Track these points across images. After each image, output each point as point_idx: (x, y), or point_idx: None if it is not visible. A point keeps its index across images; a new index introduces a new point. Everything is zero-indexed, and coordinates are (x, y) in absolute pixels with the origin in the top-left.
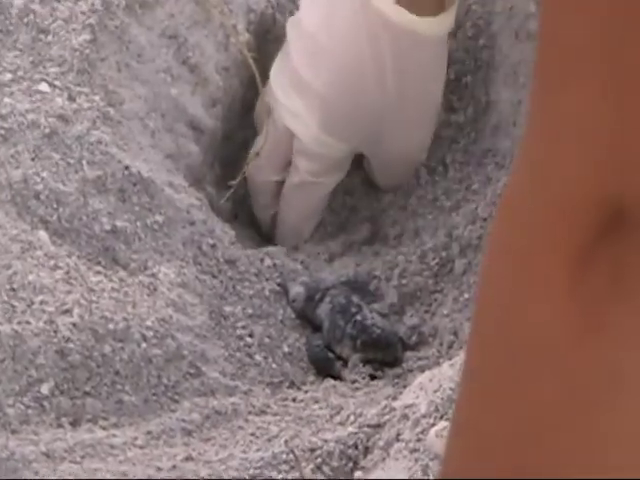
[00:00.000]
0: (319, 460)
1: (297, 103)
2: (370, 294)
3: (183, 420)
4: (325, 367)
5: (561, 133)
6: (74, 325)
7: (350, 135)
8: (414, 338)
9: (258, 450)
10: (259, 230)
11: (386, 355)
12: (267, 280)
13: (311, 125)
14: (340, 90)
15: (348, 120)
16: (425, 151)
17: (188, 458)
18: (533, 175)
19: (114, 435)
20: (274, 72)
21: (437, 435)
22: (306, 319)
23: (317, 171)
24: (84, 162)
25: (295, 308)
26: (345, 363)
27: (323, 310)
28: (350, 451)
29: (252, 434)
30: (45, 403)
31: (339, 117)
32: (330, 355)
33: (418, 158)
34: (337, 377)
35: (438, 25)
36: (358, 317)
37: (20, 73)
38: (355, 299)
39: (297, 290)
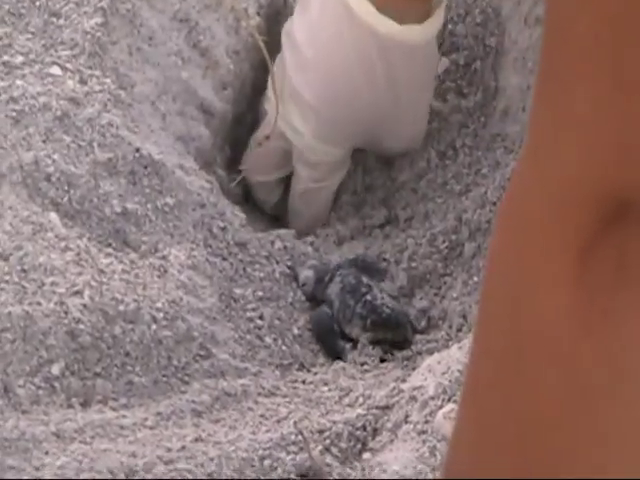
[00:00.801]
0: (328, 441)
1: (292, 111)
2: (378, 274)
3: (193, 401)
4: (328, 338)
5: (566, 128)
6: (84, 306)
7: (345, 141)
8: (423, 321)
9: (267, 431)
10: (271, 220)
11: (396, 335)
12: (277, 263)
13: (306, 134)
14: (331, 102)
15: (342, 128)
16: (421, 140)
17: (198, 439)
18: (538, 168)
19: (124, 416)
20: (266, 95)
21: (445, 417)
22: (317, 302)
23: (318, 177)
24: (95, 144)
25: (306, 292)
26: (355, 345)
27: (333, 290)
28: (358, 432)
29: (261, 415)
30: (55, 384)
31: (333, 126)
32: (335, 328)
33: (416, 145)
34: (340, 351)
35: (424, 32)
36: (368, 297)
37: (32, 56)
38: (365, 279)
39: (306, 274)
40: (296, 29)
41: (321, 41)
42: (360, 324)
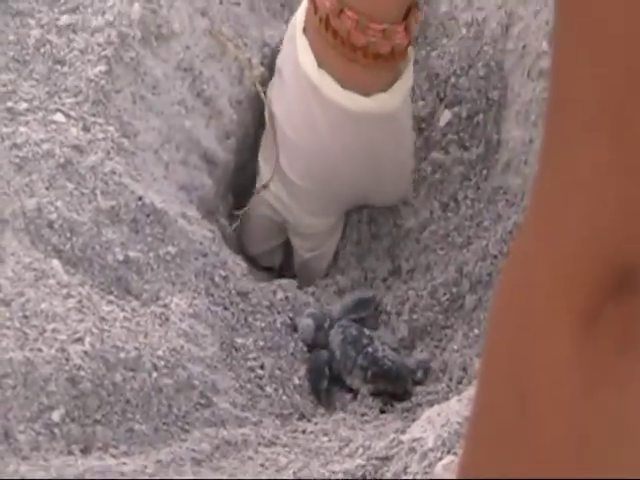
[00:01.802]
0: None
1: (280, 188)
2: (374, 319)
3: (193, 450)
4: (315, 377)
5: (570, 196)
6: (86, 353)
7: (334, 211)
8: (420, 373)
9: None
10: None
11: (396, 387)
12: (279, 313)
13: (295, 210)
14: (314, 180)
15: (329, 201)
16: (408, 193)
17: None
18: (543, 231)
19: (124, 463)
20: (261, 151)
21: (444, 469)
22: (318, 350)
23: (312, 247)
24: (98, 192)
25: (305, 340)
26: (355, 396)
27: (334, 339)
28: None
29: (261, 465)
30: (56, 430)
31: (319, 201)
32: (327, 371)
33: (404, 198)
34: (320, 391)
35: (393, 98)
36: (369, 349)
37: (36, 103)
38: (366, 331)
39: (305, 322)
40: (275, 102)
41: (296, 121)
42: (361, 375)
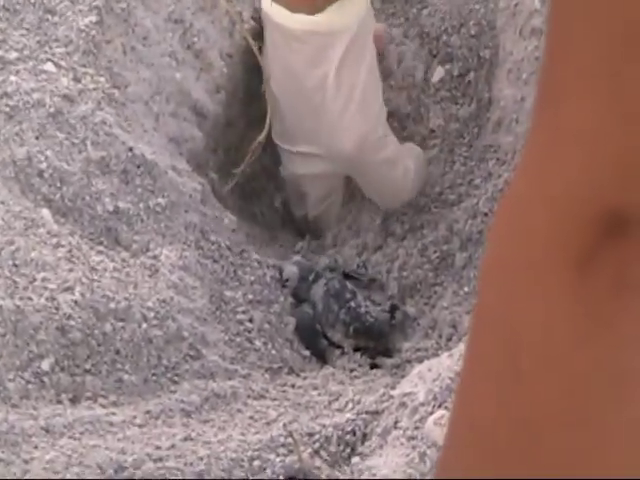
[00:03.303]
0: (317, 445)
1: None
2: (362, 280)
3: (182, 401)
4: (310, 338)
5: (564, 142)
6: (75, 303)
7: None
8: (398, 314)
9: (257, 433)
10: (263, 227)
11: (378, 344)
12: (268, 267)
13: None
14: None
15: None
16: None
17: (187, 438)
18: (535, 181)
19: (113, 413)
20: None
21: (435, 423)
22: (300, 300)
23: (304, 191)
24: (88, 142)
25: (289, 287)
26: (343, 351)
27: (317, 291)
28: (348, 437)
29: (251, 417)
30: (45, 379)
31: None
32: (317, 327)
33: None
34: (322, 350)
35: (340, 17)
36: (352, 303)
37: (26, 52)
38: (350, 285)
39: (291, 269)
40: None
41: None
42: (343, 330)
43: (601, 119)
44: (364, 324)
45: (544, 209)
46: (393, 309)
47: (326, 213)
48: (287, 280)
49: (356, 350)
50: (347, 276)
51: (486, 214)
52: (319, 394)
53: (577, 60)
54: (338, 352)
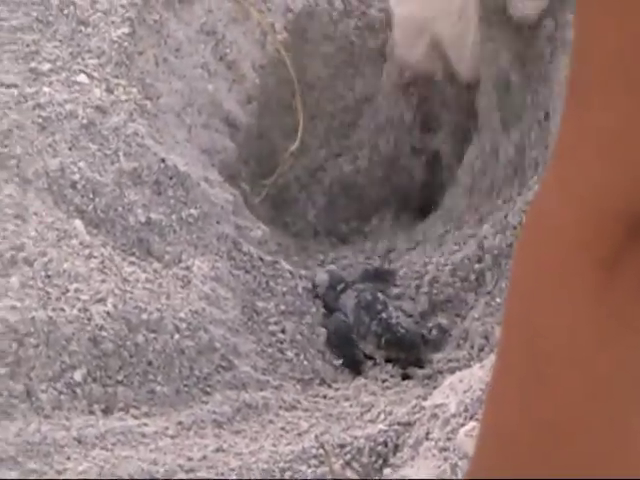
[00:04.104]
0: (349, 456)
1: None
2: (392, 284)
3: (214, 412)
4: (346, 346)
5: (592, 147)
6: (108, 314)
7: None
8: (435, 331)
9: (288, 444)
10: (295, 238)
11: (409, 355)
12: (300, 278)
13: None
14: None
15: None
16: None
17: (219, 449)
18: (562, 186)
19: (145, 424)
20: None
21: (466, 435)
22: (329, 308)
23: None
24: (120, 153)
25: (318, 293)
26: (375, 362)
27: (347, 303)
28: (380, 448)
29: (282, 428)
30: (77, 390)
31: None
32: (353, 336)
33: None
34: (358, 360)
35: None
36: (384, 315)
37: (59, 63)
38: (381, 296)
39: (322, 277)
40: None
41: None
42: (374, 342)
43: (625, 124)
44: (395, 335)
45: (568, 213)
46: (425, 321)
47: None
48: (317, 286)
49: (388, 361)
50: (378, 277)
51: (515, 227)
52: (351, 405)
53: (602, 60)
54: (370, 363)
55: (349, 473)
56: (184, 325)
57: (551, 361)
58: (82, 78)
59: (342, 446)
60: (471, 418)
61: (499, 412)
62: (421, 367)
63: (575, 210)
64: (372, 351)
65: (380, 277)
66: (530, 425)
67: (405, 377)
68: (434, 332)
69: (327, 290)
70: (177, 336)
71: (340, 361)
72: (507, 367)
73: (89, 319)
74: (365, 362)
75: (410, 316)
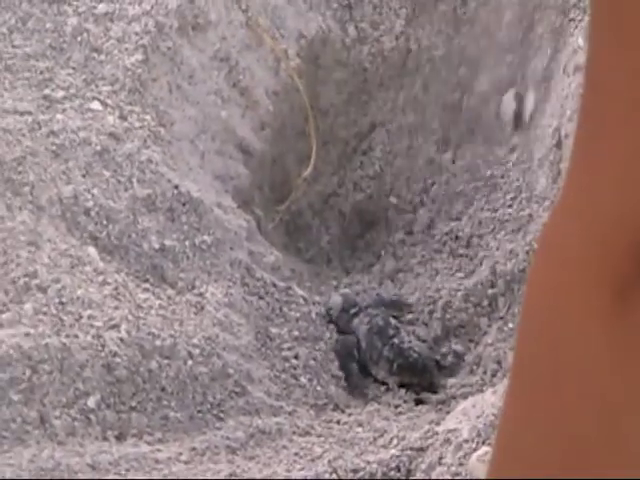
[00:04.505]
0: None
1: None
2: (404, 309)
3: (228, 438)
4: (347, 361)
5: (604, 176)
6: (121, 340)
7: None
8: (450, 357)
9: (301, 469)
10: (308, 263)
11: (422, 380)
12: (314, 304)
13: None
14: None
15: None
16: None
17: (232, 474)
18: (577, 207)
19: (159, 450)
20: None
21: (479, 460)
22: (340, 331)
23: None
24: (134, 180)
25: (331, 316)
26: (388, 388)
27: (361, 329)
28: (392, 473)
29: (296, 454)
30: (91, 416)
31: None
32: (355, 353)
33: None
34: (358, 385)
35: None
36: (396, 340)
37: (73, 91)
38: (393, 322)
39: (335, 300)
40: None
41: None
42: (387, 367)
43: (637, 154)
44: (408, 360)
45: (582, 233)
46: (439, 346)
47: None
48: (330, 309)
49: (401, 386)
50: (391, 306)
51: (527, 252)
52: (364, 430)
53: (616, 87)
54: (383, 388)
55: None
56: (197, 351)
57: (565, 387)
58: (96, 105)
59: (355, 471)
60: (483, 443)
61: (513, 434)
62: (434, 392)
63: (586, 240)
64: (384, 376)
65: (393, 305)
66: (545, 448)
67: (418, 402)
68: (448, 358)
69: (340, 313)
70: (190, 362)
71: (344, 383)
72: (521, 391)
73: (103, 345)
74: (375, 387)
75: (423, 341)
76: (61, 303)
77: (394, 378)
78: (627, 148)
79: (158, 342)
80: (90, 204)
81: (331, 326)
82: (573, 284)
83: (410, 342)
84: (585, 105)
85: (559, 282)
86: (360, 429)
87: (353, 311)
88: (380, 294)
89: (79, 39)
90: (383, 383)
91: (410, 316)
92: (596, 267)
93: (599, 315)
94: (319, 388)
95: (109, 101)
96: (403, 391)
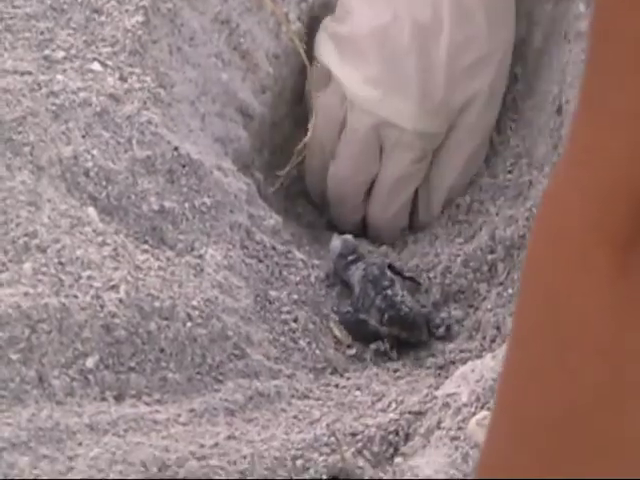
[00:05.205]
0: (360, 445)
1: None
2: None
3: (226, 400)
4: (358, 329)
5: (606, 128)
6: (120, 301)
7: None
8: (442, 329)
9: (300, 432)
10: (308, 227)
11: (411, 335)
12: (313, 267)
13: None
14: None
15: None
16: None
17: (230, 437)
18: (576, 168)
19: (157, 411)
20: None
21: (478, 424)
22: (338, 276)
23: (418, 157)
24: (134, 142)
25: (330, 259)
26: (385, 352)
27: (354, 275)
28: (391, 437)
29: (294, 417)
30: (90, 376)
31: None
32: (361, 316)
33: None
34: (371, 337)
35: None
36: (389, 291)
37: (73, 52)
38: (388, 273)
39: (335, 243)
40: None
41: None
42: (377, 316)
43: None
44: (398, 312)
45: (582, 194)
46: (438, 311)
47: None
48: (329, 252)
49: (388, 337)
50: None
51: (527, 219)
52: (362, 394)
53: (625, 38)
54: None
55: (360, 461)
56: (197, 313)
57: (569, 348)
58: (96, 66)
59: (353, 434)
60: (482, 407)
61: (514, 396)
62: (431, 354)
63: (589, 191)
64: (375, 326)
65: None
66: (553, 413)
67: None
68: (441, 324)
69: (338, 258)
70: (189, 324)
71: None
72: (521, 353)
73: (102, 306)
74: (362, 326)
75: (423, 306)
76: (60, 263)
77: (384, 329)
78: (630, 99)
79: (157, 303)
80: (90, 165)
81: (329, 289)
82: (573, 247)
83: (403, 296)
84: (592, 54)
85: (560, 248)
86: (359, 393)
87: (351, 258)
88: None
89: (79, 0)
90: (374, 333)
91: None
92: (596, 229)
93: (600, 275)
94: (318, 352)
95: (109, 62)
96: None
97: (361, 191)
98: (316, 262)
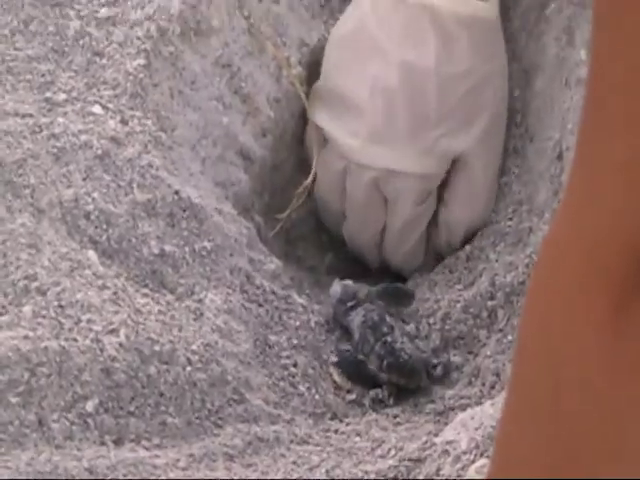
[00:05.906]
0: None
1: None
2: (406, 300)
3: (225, 445)
4: (357, 371)
5: (605, 176)
6: (120, 345)
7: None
8: (439, 369)
9: (299, 478)
10: (308, 272)
11: (410, 382)
12: (313, 312)
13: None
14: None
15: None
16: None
17: None
18: (574, 222)
19: (156, 456)
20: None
21: (477, 471)
22: (337, 322)
23: (421, 199)
24: (134, 185)
25: (330, 304)
26: (386, 398)
27: (355, 321)
28: None
29: (293, 462)
30: (89, 420)
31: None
32: (360, 357)
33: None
34: (370, 380)
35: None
36: (388, 338)
37: (74, 94)
38: (388, 319)
39: (335, 288)
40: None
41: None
42: (376, 363)
43: (638, 160)
44: (397, 359)
45: (580, 254)
46: (437, 357)
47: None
48: (329, 297)
49: (387, 384)
50: (392, 295)
51: (527, 265)
52: (362, 440)
53: (618, 93)
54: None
55: None
56: (196, 357)
57: (564, 399)
58: (97, 109)
59: None
60: (482, 455)
61: (511, 442)
62: (430, 400)
63: (587, 238)
64: (374, 371)
65: (398, 295)
66: (545, 456)
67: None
68: (439, 368)
69: (337, 303)
70: (189, 368)
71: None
72: (519, 403)
73: (101, 350)
74: (362, 368)
75: (424, 352)
76: (60, 306)
77: (383, 375)
78: (629, 150)
79: (157, 347)
80: (90, 207)
81: (329, 334)
82: (573, 297)
83: (403, 343)
84: (587, 108)
85: (558, 294)
86: (358, 438)
87: (350, 304)
88: (386, 286)
89: (81, 42)
90: (374, 378)
91: (409, 328)
92: (596, 280)
93: (599, 327)
94: (317, 397)
95: (110, 105)
96: (401, 401)
97: (374, 241)
98: (316, 307)
